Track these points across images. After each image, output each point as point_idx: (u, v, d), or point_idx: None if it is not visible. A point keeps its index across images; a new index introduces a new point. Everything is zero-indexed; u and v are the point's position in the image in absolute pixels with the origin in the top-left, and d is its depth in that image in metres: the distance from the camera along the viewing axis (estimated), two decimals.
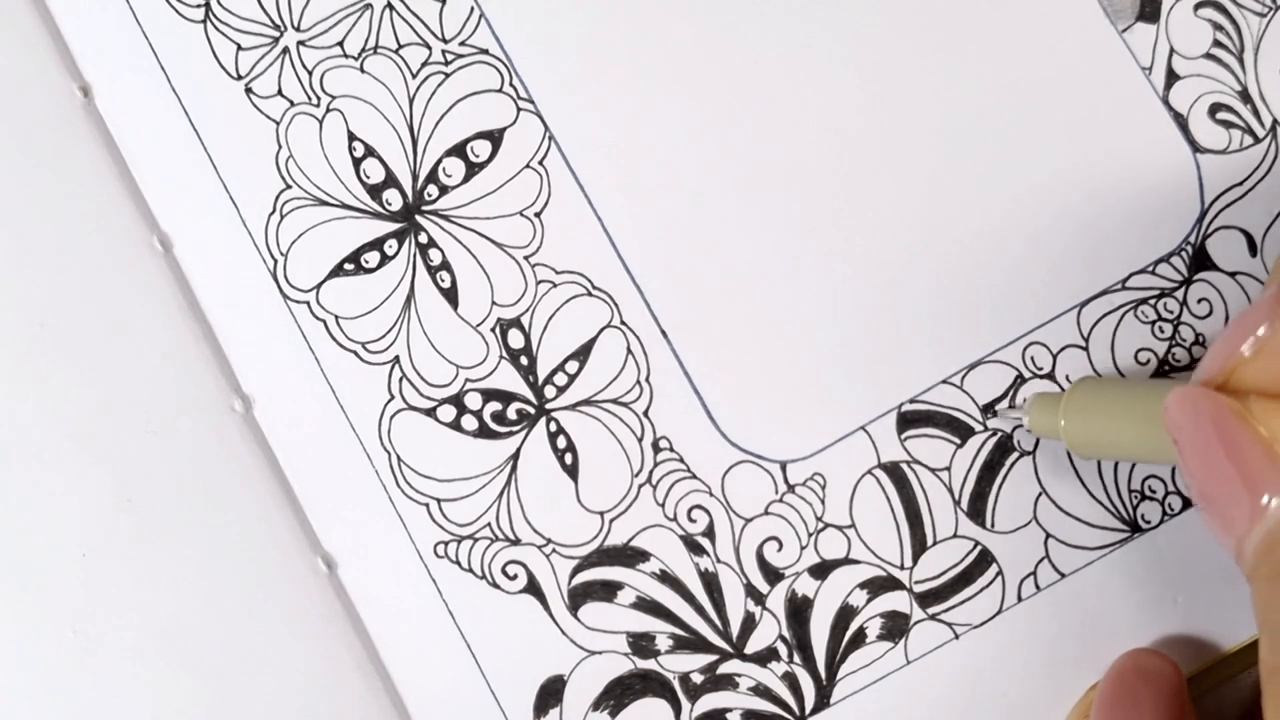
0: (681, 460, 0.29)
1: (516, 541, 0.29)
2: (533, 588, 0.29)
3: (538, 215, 0.30)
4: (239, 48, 0.31)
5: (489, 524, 0.29)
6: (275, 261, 0.30)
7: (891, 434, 0.29)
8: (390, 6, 0.31)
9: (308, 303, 0.30)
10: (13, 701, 0.29)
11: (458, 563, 0.29)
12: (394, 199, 0.30)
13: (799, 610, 0.29)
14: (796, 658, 0.29)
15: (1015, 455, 0.29)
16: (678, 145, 0.30)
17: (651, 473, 0.29)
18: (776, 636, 0.29)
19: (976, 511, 0.29)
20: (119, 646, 0.29)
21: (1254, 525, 0.19)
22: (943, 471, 0.29)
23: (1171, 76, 0.30)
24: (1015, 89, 0.30)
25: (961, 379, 0.29)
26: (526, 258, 0.30)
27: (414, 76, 0.30)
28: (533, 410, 0.29)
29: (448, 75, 0.30)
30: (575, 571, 0.29)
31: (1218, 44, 0.30)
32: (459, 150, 0.30)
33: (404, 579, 0.29)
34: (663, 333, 0.30)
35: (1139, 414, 0.24)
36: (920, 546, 0.29)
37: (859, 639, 0.29)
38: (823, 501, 0.29)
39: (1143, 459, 0.25)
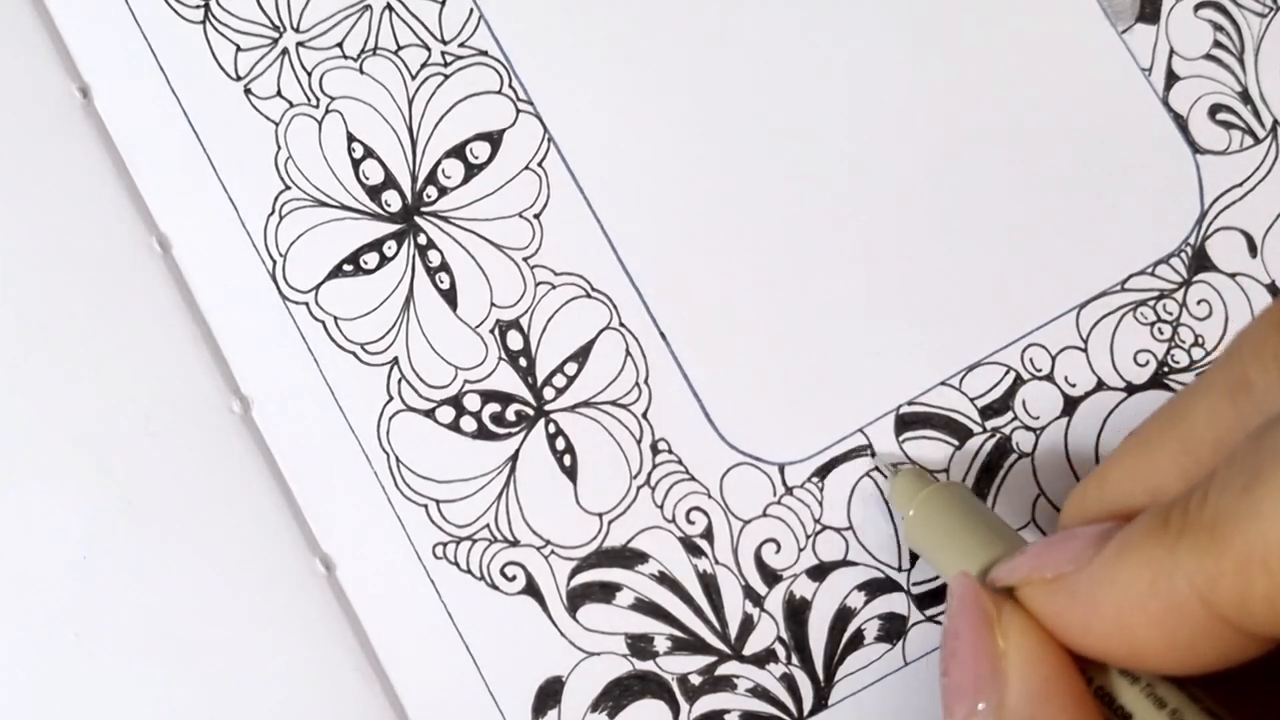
0: (680, 462, 0.29)
1: (515, 543, 0.29)
2: (531, 589, 0.29)
3: (537, 217, 0.30)
4: (238, 48, 0.30)
5: (488, 525, 0.29)
6: (274, 262, 0.30)
7: (889, 436, 0.29)
8: (390, 7, 0.31)
9: (307, 304, 0.30)
10: (13, 702, 0.29)
11: (456, 564, 0.29)
12: (393, 200, 0.30)
13: (797, 612, 0.29)
14: (795, 659, 0.29)
15: (1014, 457, 0.29)
16: (677, 147, 0.30)
17: (650, 474, 0.29)
18: (775, 638, 0.29)
19: None
20: (119, 647, 0.29)
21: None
22: (941, 473, 0.29)
23: (1171, 77, 0.30)
24: (1015, 89, 0.30)
25: (960, 380, 0.29)
26: (526, 259, 0.30)
27: (413, 78, 0.30)
28: (532, 412, 0.29)
29: (447, 77, 0.30)
30: (574, 573, 0.29)
31: (1218, 45, 0.30)
32: (458, 152, 0.30)
33: (403, 580, 0.29)
34: (661, 334, 0.30)
35: (965, 556, 0.25)
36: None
37: (857, 640, 0.29)
38: (821, 503, 0.29)
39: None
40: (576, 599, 0.29)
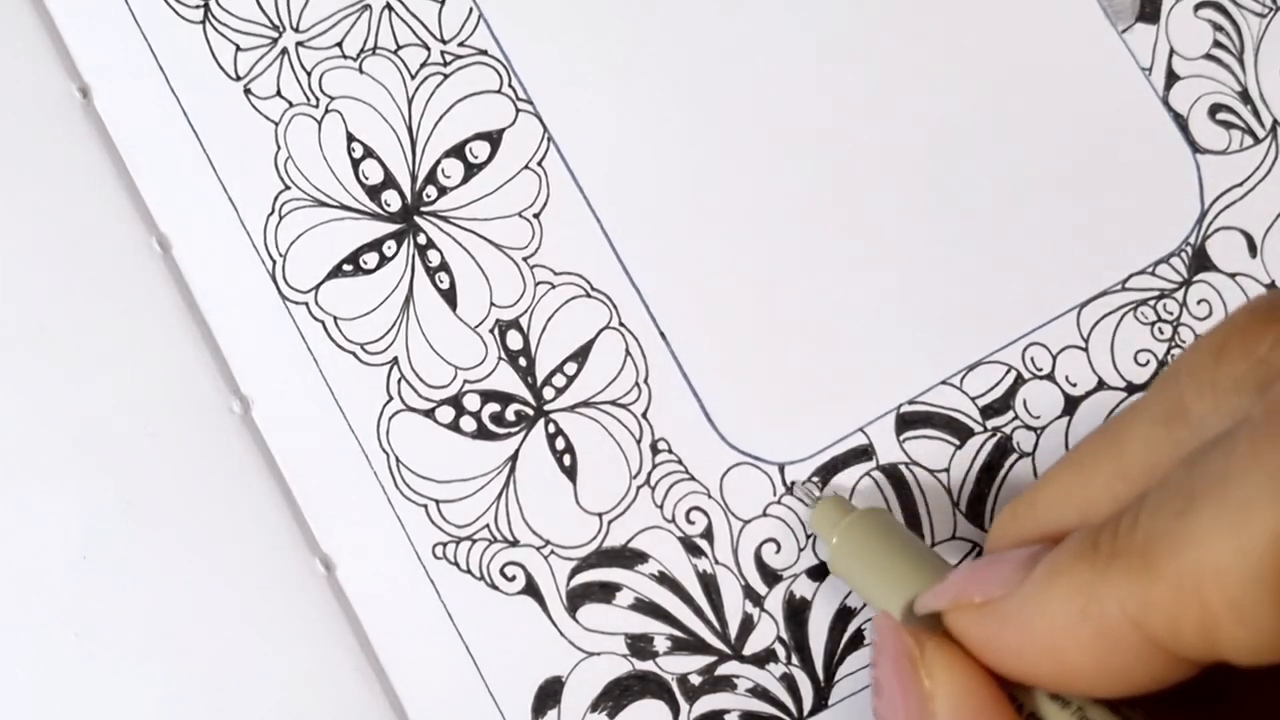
0: (680, 462, 0.29)
1: (515, 543, 0.29)
2: (531, 589, 0.29)
3: (536, 216, 0.30)
4: (238, 48, 0.30)
5: (487, 525, 0.29)
6: (274, 262, 0.30)
7: (890, 435, 0.29)
8: (389, 7, 0.31)
9: (306, 304, 0.30)
10: (13, 702, 0.29)
11: (456, 564, 0.29)
12: (393, 200, 0.30)
13: (797, 612, 0.29)
14: (795, 659, 0.29)
15: (1014, 457, 0.29)
16: (677, 146, 0.30)
17: (650, 474, 0.29)
18: (775, 638, 0.29)
19: (975, 513, 0.29)
20: (119, 648, 0.29)
21: None
22: (941, 473, 0.29)
23: (1171, 77, 0.30)
24: (1015, 89, 0.30)
25: (961, 380, 0.29)
26: (525, 259, 0.30)
27: (413, 77, 0.30)
28: (531, 411, 0.29)
29: (446, 76, 0.30)
30: (574, 573, 0.29)
31: (1218, 44, 0.30)
32: (458, 151, 0.30)
33: (402, 580, 0.29)
34: (661, 334, 0.30)
35: (891, 584, 0.25)
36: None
37: (857, 640, 0.29)
38: None
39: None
40: (576, 599, 0.29)
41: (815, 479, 0.29)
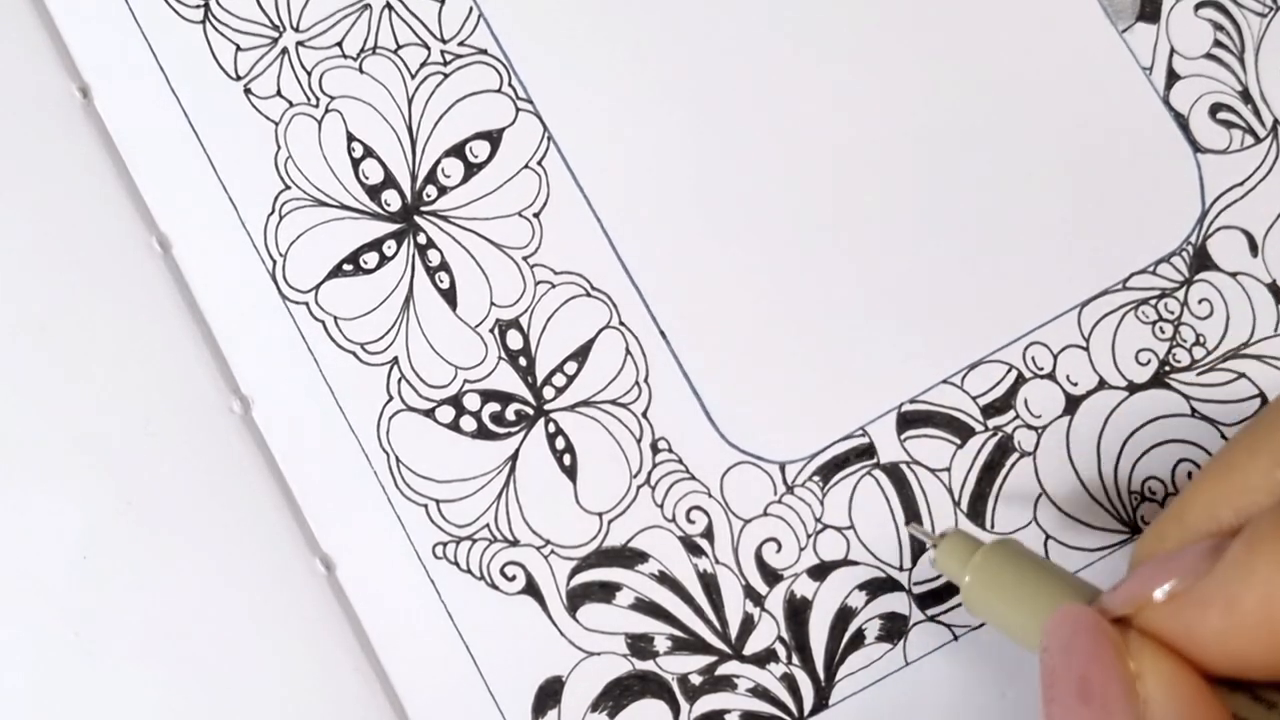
0: (680, 461, 0.29)
1: (515, 542, 0.29)
2: (531, 589, 0.29)
3: (536, 216, 0.30)
4: (238, 48, 0.30)
5: (488, 525, 0.29)
6: (274, 262, 0.30)
7: (891, 434, 0.29)
8: (389, 6, 0.31)
9: (306, 303, 0.30)
10: (13, 702, 0.29)
11: (456, 564, 0.29)
12: (393, 199, 0.30)
13: (798, 611, 0.29)
14: (795, 659, 0.29)
15: (1015, 456, 0.29)
16: (676, 146, 0.30)
17: (650, 474, 0.29)
18: (775, 638, 0.29)
19: (976, 512, 0.29)
20: (119, 647, 0.29)
21: None
22: (942, 472, 0.29)
23: (1172, 76, 0.30)
24: (1015, 89, 0.30)
25: (962, 379, 0.29)
26: (525, 258, 0.30)
27: (413, 77, 0.30)
28: (531, 411, 0.29)
29: (446, 75, 0.30)
30: (574, 572, 0.29)
31: (1218, 44, 0.30)
32: (458, 151, 0.30)
33: (402, 580, 0.29)
34: (661, 333, 0.30)
35: (1040, 608, 0.24)
36: (920, 548, 0.29)
37: (858, 640, 0.29)
38: (822, 502, 0.29)
39: (1032, 650, 0.24)
40: (576, 599, 0.29)
41: (918, 525, 0.29)
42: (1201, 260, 0.30)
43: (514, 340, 0.30)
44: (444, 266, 0.30)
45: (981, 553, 0.25)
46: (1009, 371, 0.29)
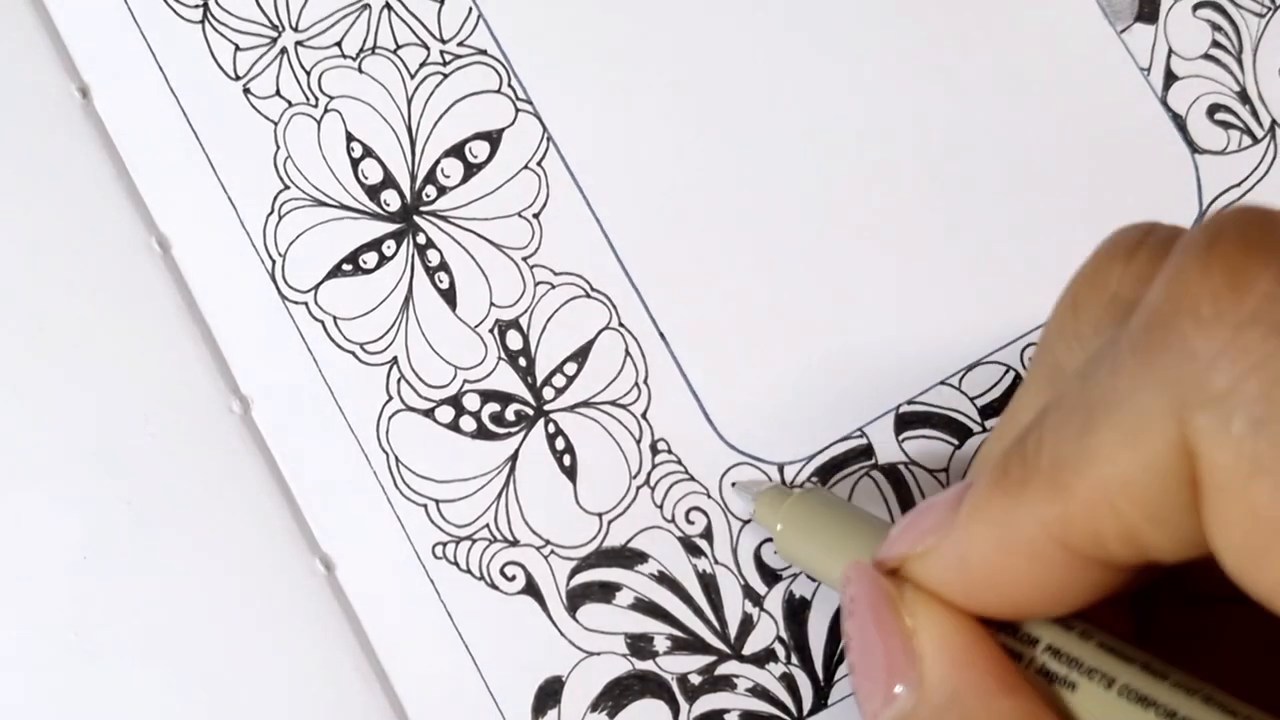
0: (680, 462, 0.29)
1: (515, 543, 0.29)
2: (531, 589, 0.29)
3: (536, 216, 0.30)
4: (237, 48, 0.30)
5: (487, 525, 0.29)
6: (273, 262, 0.30)
7: (889, 435, 0.29)
8: (388, 6, 0.30)
9: (306, 303, 0.30)
10: (13, 702, 0.29)
11: (456, 564, 0.29)
12: (392, 199, 0.30)
13: (797, 611, 0.29)
14: (794, 659, 0.29)
15: None
16: (676, 146, 0.30)
17: (650, 474, 0.29)
18: (774, 638, 0.29)
19: None
20: (119, 647, 0.29)
21: (884, 709, 0.20)
22: (940, 473, 0.29)
23: (1170, 77, 0.30)
24: (1014, 89, 0.30)
25: (960, 380, 0.29)
26: (525, 259, 0.30)
27: (412, 77, 0.30)
28: (531, 411, 0.29)
29: (446, 76, 0.30)
30: (573, 573, 0.29)
31: (1216, 44, 0.30)
32: (457, 151, 0.30)
33: (402, 580, 0.29)
34: (661, 334, 0.30)
35: (842, 552, 0.25)
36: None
37: None
38: None
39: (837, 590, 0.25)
40: (576, 599, 0.29)
41: (748, 479, 0.29)
42: None
43: (514, 340, 0.30)
44: (443, 267, 0.30)
45: (790, 501, 0.27)
46: (1007, 372, 0.29)
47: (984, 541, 0.19)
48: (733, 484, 0.29)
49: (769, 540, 0.29)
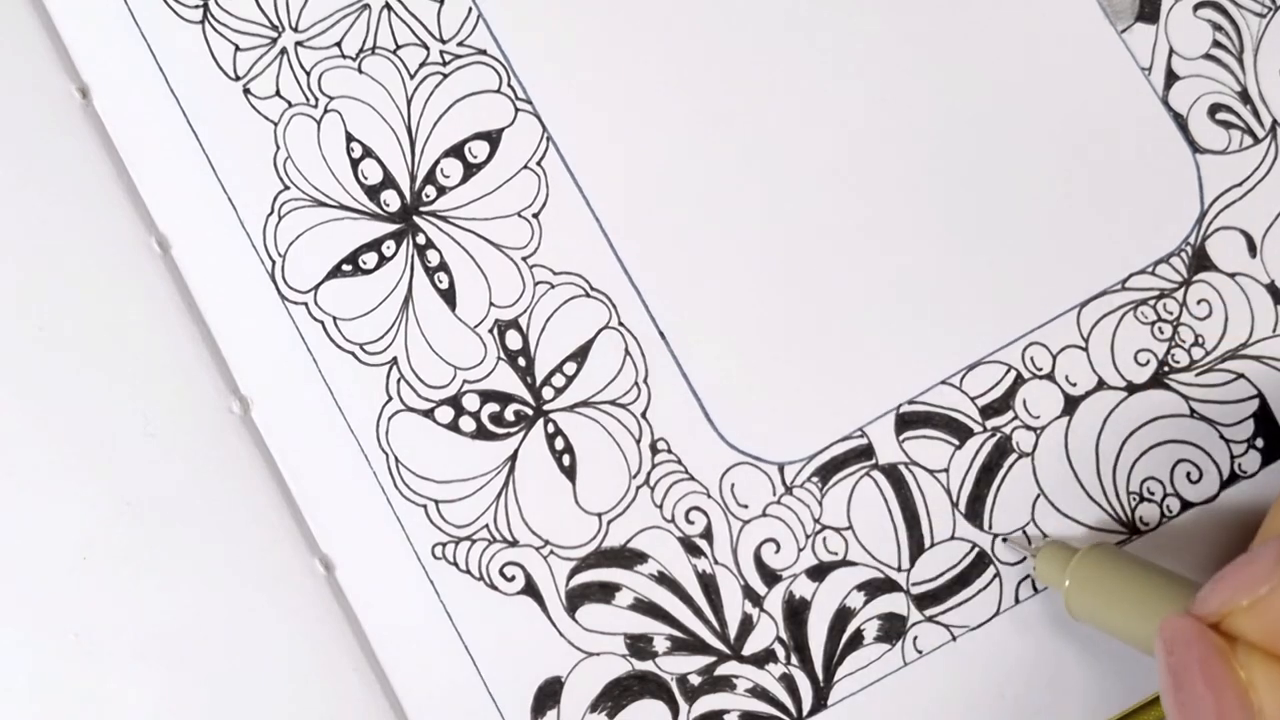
0: (679, 462, 0.29)
1: (514, 543, 0.29)
2: (530, 589, 0.29)
3: (536, 216, 0.30)
4: (237, 48, 0.30)
5: (487, 525, 0.29)
6: (273, 262, 0.30)
7: (890, 435, 0.29)
8: (388, 7, 0.30)
9: (306, 304, 0.30)
10: (13, 702, 0.29)
11: (455, 564, 0.29)
12: (392, 200, 0.30)
13: (797, 612, 0.29)
14: (794, 659, 0.29)
15: (1014, 457, 0.29)
16: (676, 146, 0.30)
17: (649, 474, 0.29)
18: (774, 638, 0.29)
19: (974, 513, 0.29)
20: (119, 648, 0.29)
21: None
22: (941, 473, 0.29)
23: (1171, 77, 0.30)
24: (1015, 89, 0.30)
25: (961, 380, 0.29)
26: (524, 259, 0.30)
27: (412, 77, 0.30)
28: (531, 411, 0.29)
29: (446, 76, 0.30)
30: (573, 573, 0.29)
31: (1217, 44, 0.30)
32: (457, 151, 0.30)
33: (402, 580, 0.29)
34: (661, 334, 0.30)
35: (1142, 608, 0.25)
36: (918, 548, 0.29)
37: (856, 641, 0.29)
38: (820, 503, 0.29)
39: (1137, 647, 0.26)
40: (576, 599, 0.29)
41: (1017, 534, 0.29)
42: (1200, 261, 0.30)
43: (513, 340, 0.30)
44: (443, 267, 0.30)
45: (1079, 557, 0.27)
46: (1008, 372, 0.29)
47: None
48: (1004, 539, 0.29)
49: (769, 540, 0.29)
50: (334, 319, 0.30)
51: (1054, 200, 0.30)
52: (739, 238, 0.30)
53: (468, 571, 0.29)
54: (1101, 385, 0.29)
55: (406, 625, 0.29)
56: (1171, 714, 0.21)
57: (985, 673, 0.29)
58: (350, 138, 0.30)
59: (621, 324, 0.30)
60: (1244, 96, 0.30)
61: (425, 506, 0.29)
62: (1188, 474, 0.29)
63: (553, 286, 0.30)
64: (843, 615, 0.29)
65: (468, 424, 0.29)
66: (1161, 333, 0.29)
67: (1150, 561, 0.26)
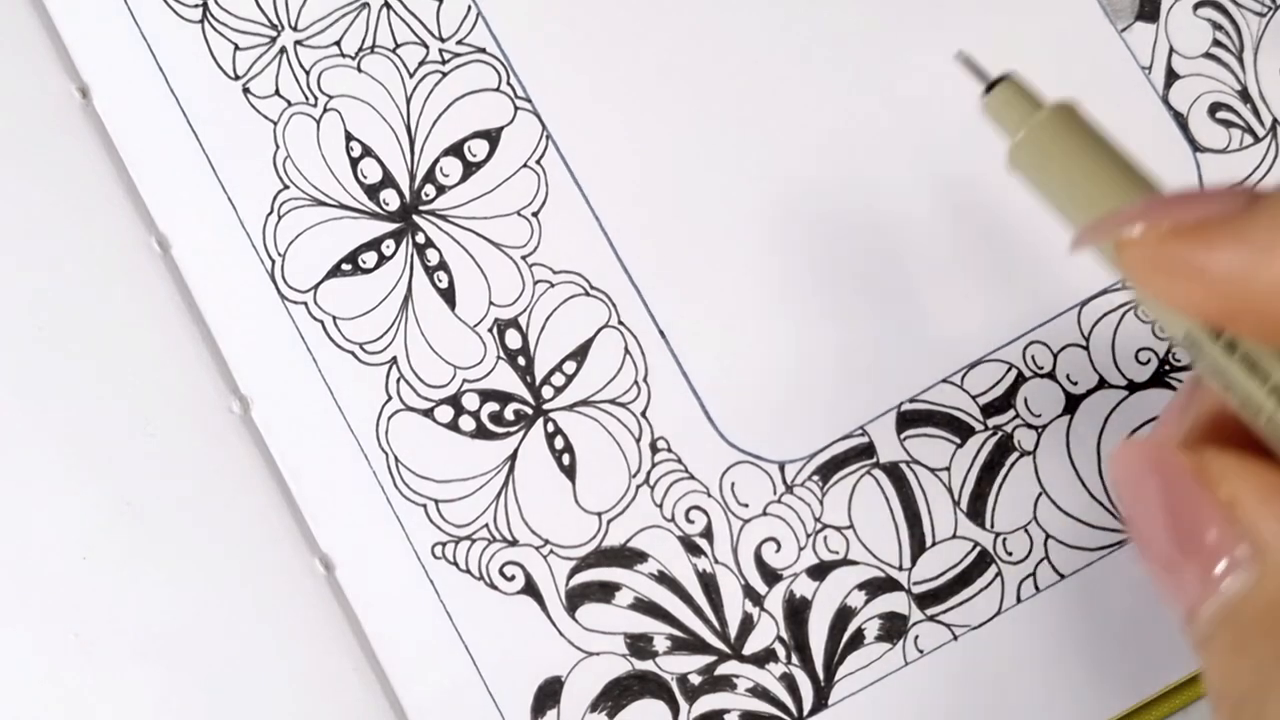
0: (679, 461, 0.29)
1: (514, 542, 0.29)
2: (530, 589, 0.29)
3: (535, 215, 0.30)
4: (236, 48, 0.30)
5: (486, 525, 0.29)
6: (273, 262, 0.30)
7: (891, 434, 0.29)
8: (387, 5, 0.30)
9: (305, 303, 0.30)
10: (13, 703, 0.29)
11: (455, 564, 0.29)
12: (391, 199, 0.30)
13: (797, 611, 0.29)
14: (794, 659, 0.29)
15: (1015, 455, 0.29)
16: (675, 145, 0.30)
17: (649, 473, 0.29)
18: (775, 637, 0.29)
19: (976, 512, 0.29)
20: (119, 647, 0.29)
21: (1208, 593, 0.17)
22: (942, 472, 0.29)
23: (1171, 76, 0.30)
24: None
25: (962, 378, 0.29)
26: (524, 257, 0.30)
27: (411, 76, 0.30)
28: (530, 411, 0.29)
29: (445, 74, 0.30)
30: (573, 572, 0.29)
31: (1217, 43, 0.30)
32: (456, 150, 0.30)
33: (402, 580, 0.29)
34: (660, 333, 0.30)
35: (1092, 191, 0.22)
36: (919, 547, 0.29)
37: (857, 640, 0.29)
38: (821, 502, 0.29)
39: (1072, 223, 0.22)
40: (575, 598, 0.29)
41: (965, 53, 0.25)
42: None
43: (513, 340, 0.30)
44: (443, 266, 0.30)
45: (1045, 114, 0.23)
46: (1009, 370, 0.29)
47: None
48: (958, 54, 0.24)
49: (769, 540, 0.29)
50: (334, 318, 0.30)
51: None
52: (739, 237, 0.30)
53: (468, 571, 0.29)
54: (1103, 384, 0.29)
55: (406, 625, 0.29)
56: (1144, 561, 0.18)
57: (986, 672, 0.29)
58: (350, 137, 0.30)
59: (621, 323, 0.30)
60: (1244, 95, 0.30)
61: (425, 506, 0.29)
62: None
63: (552, 285, 0.30)
64: (843, 614, 0.29)
65: (467, 423, 0.29)
66: (1163, 331, 0.29)
67: (1115, 146, 0.23)
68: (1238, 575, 0.17)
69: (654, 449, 0.29)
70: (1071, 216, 0.22)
